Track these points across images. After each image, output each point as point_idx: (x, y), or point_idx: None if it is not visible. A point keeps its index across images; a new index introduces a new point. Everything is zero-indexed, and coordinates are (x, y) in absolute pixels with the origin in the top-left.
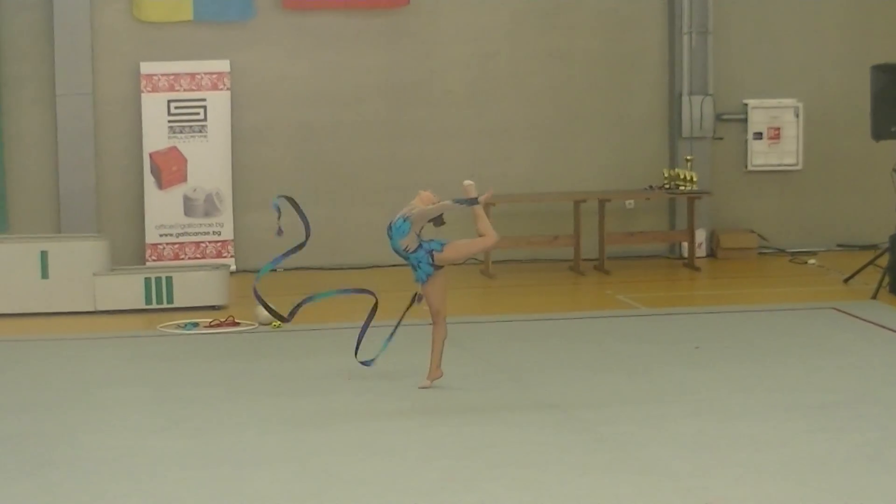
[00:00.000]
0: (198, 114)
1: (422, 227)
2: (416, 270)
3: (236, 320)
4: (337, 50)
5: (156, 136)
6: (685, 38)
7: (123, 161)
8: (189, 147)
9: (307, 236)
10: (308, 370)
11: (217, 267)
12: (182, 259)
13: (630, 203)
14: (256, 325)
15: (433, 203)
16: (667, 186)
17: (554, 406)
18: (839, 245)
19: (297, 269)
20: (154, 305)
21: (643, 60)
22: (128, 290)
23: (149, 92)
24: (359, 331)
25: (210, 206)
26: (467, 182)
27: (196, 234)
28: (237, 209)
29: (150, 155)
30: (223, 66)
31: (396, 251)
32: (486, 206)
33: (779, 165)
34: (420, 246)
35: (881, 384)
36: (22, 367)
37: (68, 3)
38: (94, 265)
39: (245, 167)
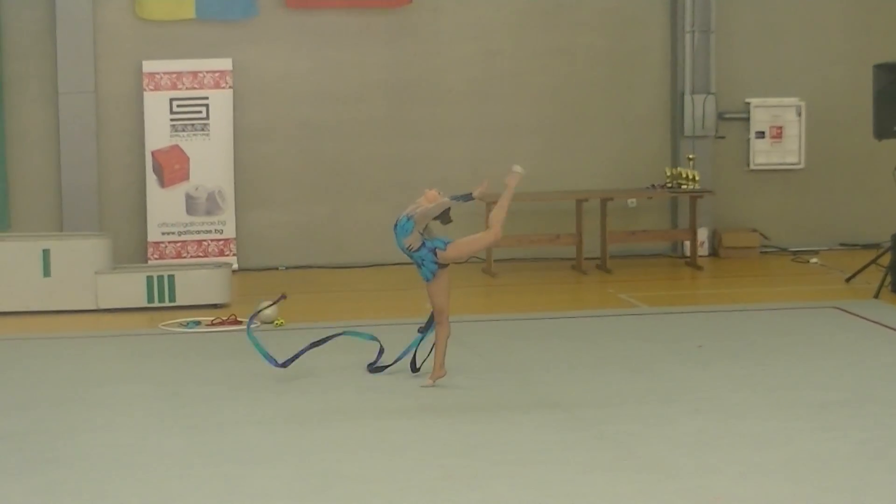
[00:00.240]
0: (200, 112)
1: (425, 226)
2: (420, 268)
3: (238, 319)
4: (339, 48)
5: (158, 134)
6: (687, 37)
7: (126, 159)
8: (191, 145)
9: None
10: (310, 368)
11: (219, 265)
12: (184, 257)
13: (632, 202)
14: (258, 323)
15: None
16: (669, 185)
17: (556, 404)
18: (841, 244)
19: (299, 267)
20: (156, 304)
21: (645, 59)
22: (130, 288)
23: (151, 90)
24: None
25: (212, 205)
26: (517, 168)
27: (198, 232)
28: (239, 207)
29: (153, 153)
30: (225, 64)
31: (401, 249)
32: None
33: (781, 164)
34: (423, 244)
35: (883, 383)
36: (23, 366)
37: (70, 1)
38: (96, 263)
39: (247, 165)
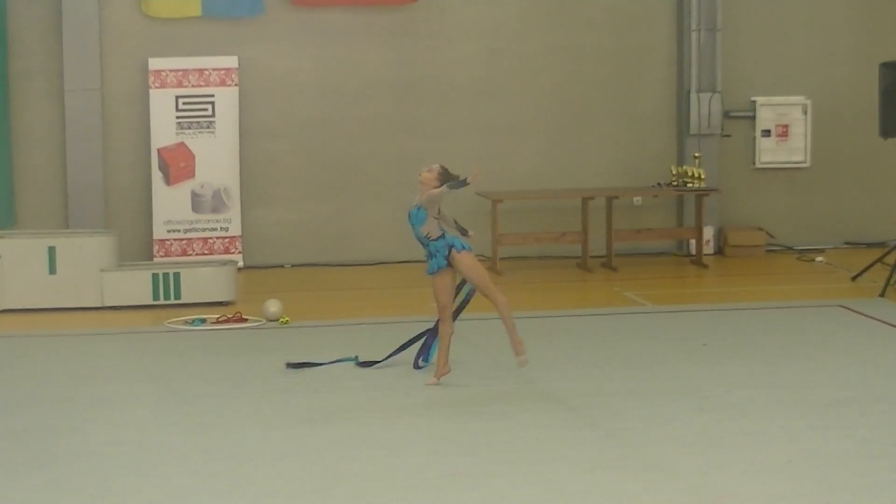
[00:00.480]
0: (206, 110)
1: (438, 210)
2: (430, 259)
3: (244, 316)
4: (345, 46)
5: (164, 131)
6: (693, 35)
7: (131, 157)
8: (197, 143)
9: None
10: (313, 366)
11: (224, 263)
12: (189, 255)
13: (638, 200)
14: (263, 321)
15: (434, 187)
16: (675, 183)
17: (561, 402)
18: (847, 242)
19: (304, 265)
20: (161, 301)
21: (651, 57)
22: (135, 285)
23: (157, 88)
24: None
25: (218, 202)
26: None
27: (204, 229)
28: (245, 205)
29: (158, 151)
30: (231, 62)
31: (418, 238)
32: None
33: (787, 163)
34: (443, 236)
35: (888, 382)
36: (29, 363)
37: None
38: (102, 261)
39: (253, 163)
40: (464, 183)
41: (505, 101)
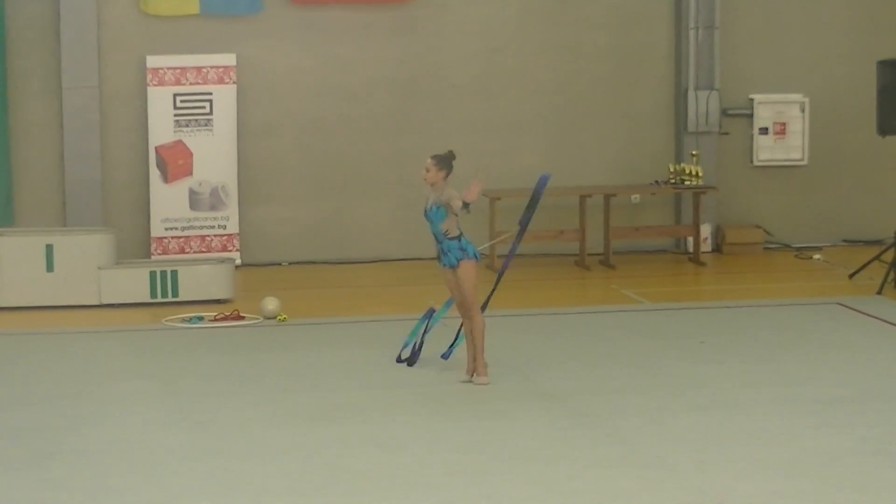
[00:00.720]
0: (204, 107)
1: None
2: (445, 255)
3: (241, 314)
4: (344, 44)
5: (162, 129)
6: (692, 33)
7: (129, 154)
8: (195, 141)
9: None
10: (313, 364)
11: (222, 261)
12: (187, 253)
13: (635, 198)
14: (261, 319)
15: (439, 177)
16: (672, 181)
17: (559, 400)
18: (845, 240)
19: (302, 263)
20: (159, 299)
21: (649, 55)
22: (133, 283)
23: (155, 85)
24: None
25: (216, 200)
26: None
27: (201, 227)
28: (243, 203)
29: (156, 148)
30: (229, 59)
31: (435, 234)
32: (493, 248)
33: (784, 160)
34: (459, 237)
35: (886, 379)
36: (27, 361)
37: None
38: (100, 258)
39: (251, 161)
40: (466, 207)
41: (504, 100)
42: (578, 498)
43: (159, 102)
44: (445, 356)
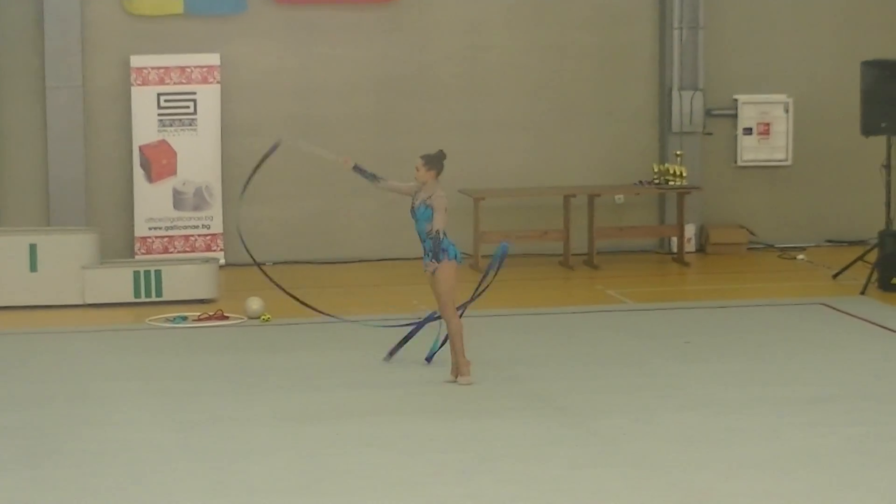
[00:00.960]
0: (188, 107)
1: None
2: (428, 254)
3: (225, 314)
4: (329, 43)
5: (146, 129)
6: (676, 33)
7: (113, 154)
8: (179, 140)
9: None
10: (297, 364)
11: (206, 260)
12: (171, 252)
13: (620, 198)
14: (245, 318)
15: (429, 176)
16: (656, 181)
17: (543, 400)
18: (828, 241)
19: (287, 262)
20: (143, 299)
21: (634, 55)
22: (117, 283)
23: (139, 85)
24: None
25: (199, 200)
26: None
27: (185, 227)
28: (227, 203)
29: (140, 148)
30: (213, 59)
31: (419, 233)
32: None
33: (768, 161)
34: (444, 237)
35: (870, 379)
36: (10, 361)
37: None
38: (83, 258)
39: (235, 161)
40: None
41: (489, 99)
42: (564, 497)
43: (143, 102)
44: (428, 359)
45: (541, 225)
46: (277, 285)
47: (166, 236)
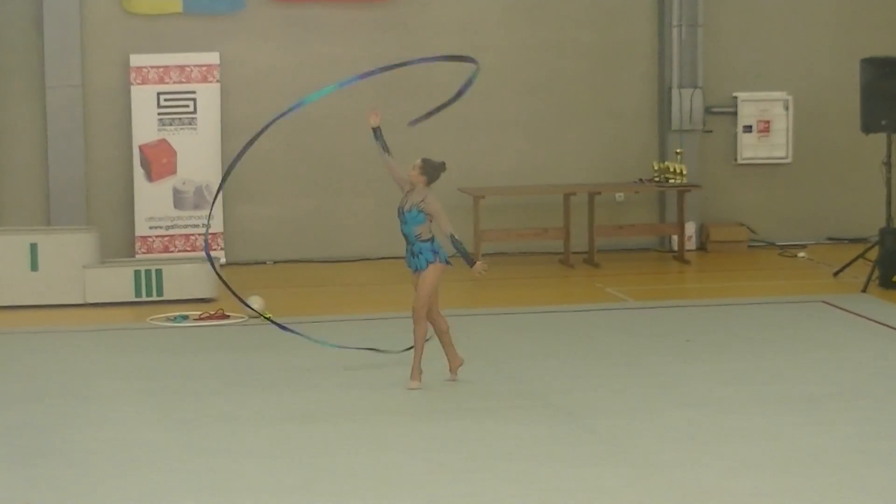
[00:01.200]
0: (187, 106)
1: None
2: (415, 257)
3: (226, 313)
4: (327, 42)
5: (145, 128)
6: (675, 31)
7: (113, 153)
8: (179, 139)
9: None
10: (297, 364)
11: (206, 260)
12: (172, 252)
13: (620, 196)
14: (246, 318)
15: (421, 181)
16: (656, 179)
17: (543, 398)
18: (829, 238)
19: (287, 261)
20: (144, 298)
21: (633, 53)
22: (117, 282)
23: (138, 84)
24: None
25: (200, 199)
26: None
27: (186, 226)
28: (227, 202)
29: (140, 147)
30: (213, 58)
31: (407, 235)
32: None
33: (768, 158)
34: (432, 240)
35: (870, 377)
36: (11, 360)
37: None
38: (84, 257)
39: None
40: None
41: (487, 98)
42: (563, 496)
43: (143, 101)
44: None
45: (541, 223)
46: (232, 291)
47: (167, 235)
